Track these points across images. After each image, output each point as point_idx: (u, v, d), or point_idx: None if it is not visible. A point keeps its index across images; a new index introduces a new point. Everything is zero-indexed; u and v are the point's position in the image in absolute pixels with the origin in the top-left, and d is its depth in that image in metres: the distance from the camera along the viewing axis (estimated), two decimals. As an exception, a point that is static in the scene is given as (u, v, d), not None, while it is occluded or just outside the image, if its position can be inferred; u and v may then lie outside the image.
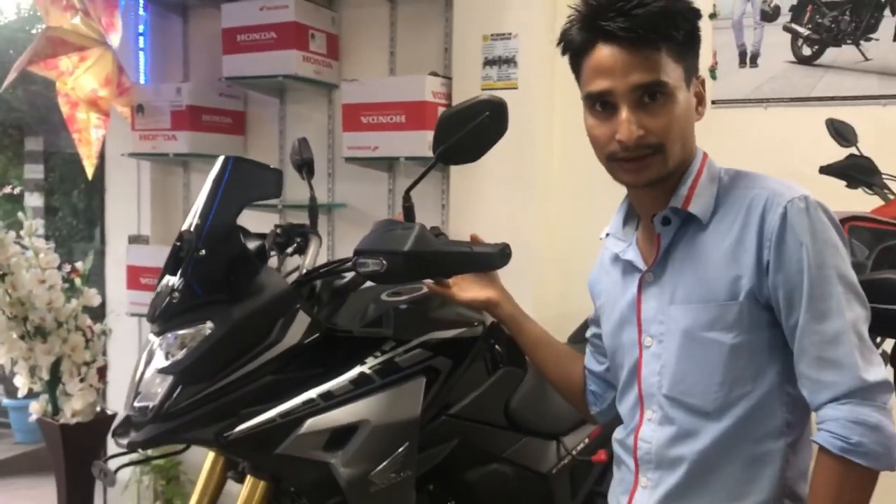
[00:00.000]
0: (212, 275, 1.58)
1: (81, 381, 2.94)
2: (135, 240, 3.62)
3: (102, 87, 3.18)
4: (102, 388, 3.36)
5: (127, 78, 3.32)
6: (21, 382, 2.97)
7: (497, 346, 1.97)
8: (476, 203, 2.98)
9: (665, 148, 1.25)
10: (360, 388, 1.61)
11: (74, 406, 2.90)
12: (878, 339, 2.22)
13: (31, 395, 3.10)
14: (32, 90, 6.81)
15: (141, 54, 3.61)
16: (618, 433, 1.44)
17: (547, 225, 2.97)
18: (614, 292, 1.44)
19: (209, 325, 1.54)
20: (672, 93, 1.24)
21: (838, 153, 2.49)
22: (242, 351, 1.56)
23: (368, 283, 1.82)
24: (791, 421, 1.26)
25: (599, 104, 1.27)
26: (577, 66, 1.32)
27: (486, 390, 1.87)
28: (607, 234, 1.48)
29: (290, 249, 1.91)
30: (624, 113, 1.23)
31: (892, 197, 2.47)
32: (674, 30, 1.23)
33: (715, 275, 1.25)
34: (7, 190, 3.03)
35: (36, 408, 2.99)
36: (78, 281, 3.07)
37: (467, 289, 1.65)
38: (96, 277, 3.78)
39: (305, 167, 2.05)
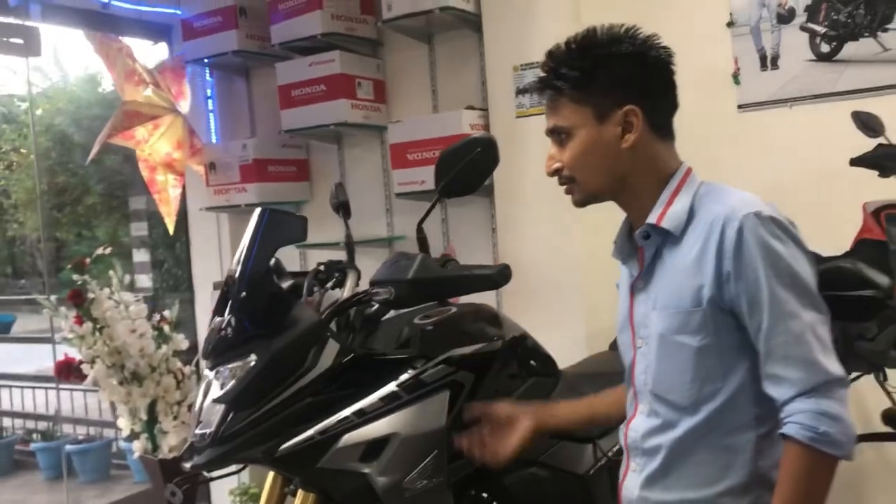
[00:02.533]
0: (253, 312, 1.79)
1: (175, 419, 3.22)
2: (218, 286, 3.89)
3: (176, 150, 3.51)
4: (197, 424, 3.64)
5: (198, 139, 3.64)
6: (123, 424, 3.28)
7: (528, 358, 2.10)
8: (521, 225, 3.14)
9: (576, 179, 1.46)
10: (389, 404, 1.78)
11: (170, 442, 3.19)
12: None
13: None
14: (130, 154, 7.39)
15: (211, 116, 3.94)
16: (622, 424, 1.58)
17: (591, 239, 3.09)
18: (622, 296, 1.60)
19: (253, 357, 1.75)
20: (572, 133, 1.43)
21: (867, 144, 2.53)
22: (283, 378, 1.75)
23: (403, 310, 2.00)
24: (760, 414, 1.36)
25: None
26: None
27: (515, 399, 2.01)
28: (615, 242, 1.62)
29: (329, 284, 2.10)
30: (550, 150, 1.48)
31: (925, 182, 2.48)
32: (561, 80, 1.42)
33: (682, 284, 1.39)
34: (99, 251, 3.35)
35: (137, 446, 3.29)
36: (167, 328, 3.36)
37: (504, 443, 1.75)
38: (188, 323, 4.11)
39: (342, 208, 2.26)
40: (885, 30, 2.59)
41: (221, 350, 1.79)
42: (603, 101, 1.41)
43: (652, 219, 1.43)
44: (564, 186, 1.50)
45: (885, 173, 2.55)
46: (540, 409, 1.77)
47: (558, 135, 1.46)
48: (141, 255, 9.06)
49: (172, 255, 8.16)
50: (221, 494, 3.79)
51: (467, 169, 1.74)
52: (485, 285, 1.72)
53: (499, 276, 1.70)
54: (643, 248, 1.47)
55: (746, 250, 1.31)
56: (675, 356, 1.39)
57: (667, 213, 1.42)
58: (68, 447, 5.75)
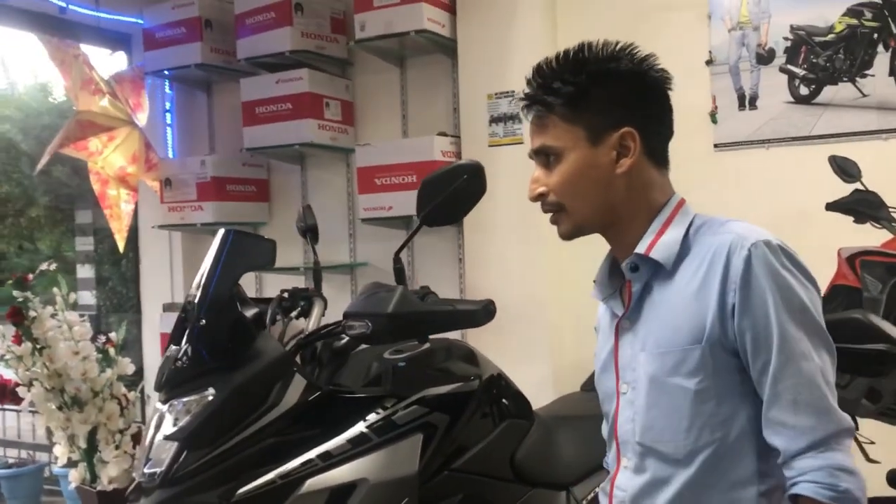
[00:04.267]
0: (213, 342, 1.65)
1: (117, 448, 3.03)
2: (169, 308, 3.74)
3: (130, 164, 3.35)
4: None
5: (154, 154, 3.49)
6: (60, 452, 3.08)
7: (503, 400, 1.99)
8: (490, 257, 3.05)
9: (565, 207, 1.30)
10: (357, 447, 1.66)
11: (110, 473, 3.00)
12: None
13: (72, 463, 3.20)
14: (80, 166, 7.14)
15: (168, 130, 3.78)
16: (604, 482, 1.45)
17: (558, 275, 3.02)
18: (603, 337, 1.45)
19: (211, 391, 1.61)
20: (561, 154, 1.28)
21: (843, 189, 2.50)
22: (243, 415, 1.62)
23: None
24: (763, 469, 1.23)
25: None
26: None
27: (489, 444, 1.89)
28: (595, 281, 1.50)
29: (294, 313, 1.98)
30: (534, 172, 1.33)
31: (900, 229, 2.46)
32: (553, 95, 1.28)
33: (679, 320, 1.25)
34: (44, 266, 3.15)
35: (74, 476, 3.09)
36: (112, 351, 3.18)
37: None
38: (135, 345, 3.92)
39: (310, 233, 2.14)
40: (864, 75, 2.58)
41: (177, 382, 1.65)
42: (598, 121, 1.28)
43: (641, 249, 1.30)
44: (549, 215, 1.34)
45: (859, 219, 2.53)
46: None
47: (545, 156, 1.31)
48: (85, 271, 8.73)
49: (118, 272, 7.88)
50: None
51: (452, 197, 1.63)
52: (468, 322, 1.62)
53: (483, 313, 1.60)
54: (630, 282, 1.33)
55: (755, 281, 1.18)
56: (669, 401, 1.25)
57: (657, 243, 1.29)
58: (-1, 472, 5.44)
